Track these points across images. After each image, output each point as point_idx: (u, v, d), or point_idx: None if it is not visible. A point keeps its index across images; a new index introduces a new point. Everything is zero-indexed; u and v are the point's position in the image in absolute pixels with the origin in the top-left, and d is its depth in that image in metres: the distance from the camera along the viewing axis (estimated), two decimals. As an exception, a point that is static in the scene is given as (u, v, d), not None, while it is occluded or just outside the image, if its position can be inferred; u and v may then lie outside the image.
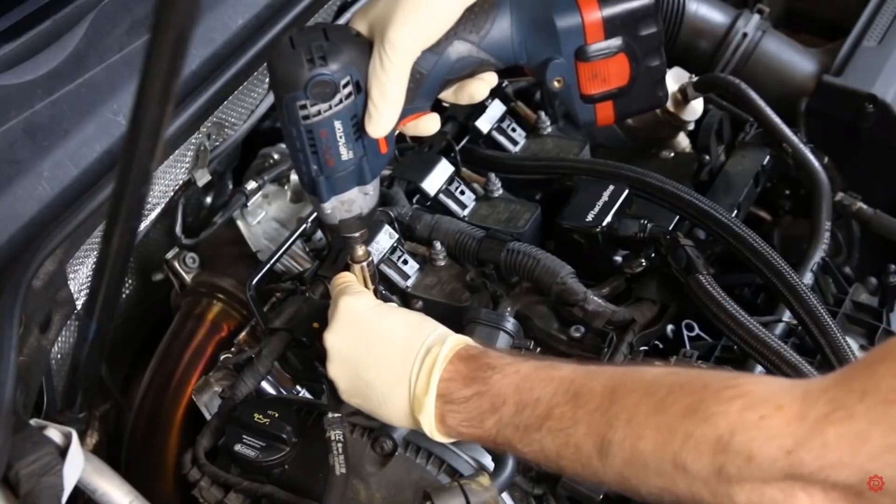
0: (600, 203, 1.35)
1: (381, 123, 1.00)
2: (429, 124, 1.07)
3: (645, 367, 0.92)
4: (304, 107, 0.97)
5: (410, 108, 1.02)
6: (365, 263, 1.14)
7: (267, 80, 1.56)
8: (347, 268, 1.16)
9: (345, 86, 0.97)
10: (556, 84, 1.04)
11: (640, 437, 0.84)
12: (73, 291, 1.24)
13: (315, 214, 1.39)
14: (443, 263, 1.34)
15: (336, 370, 1.06)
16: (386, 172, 1.51)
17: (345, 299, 1.08)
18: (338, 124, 0.98)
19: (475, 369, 0.98)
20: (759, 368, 1.19)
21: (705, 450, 0.80)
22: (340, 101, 0.97)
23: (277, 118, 1.70)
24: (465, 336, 1.04)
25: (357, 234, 1.11)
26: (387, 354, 1.03)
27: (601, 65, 1.03)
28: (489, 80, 1.07)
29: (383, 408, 1.03)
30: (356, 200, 1.06)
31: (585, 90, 1.05)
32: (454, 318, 1.20)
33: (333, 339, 1.06)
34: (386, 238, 1.31)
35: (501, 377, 0.96)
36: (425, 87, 1.01)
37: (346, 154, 1.01)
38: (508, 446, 0.96)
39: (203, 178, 1.45)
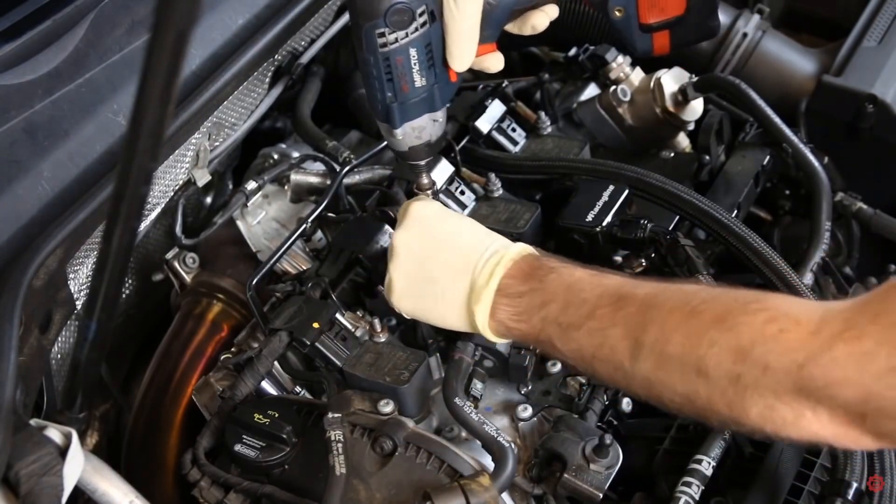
0: (600, 203, 1.35)
1: (463, 57, 1.09)
2: (494, 61, 1.15)
3: (689, 282, 0.97)
4: (382, 35, 1.04)
5: (480, 38, 1.09)
6: (430, 192, 1.22)
7: (267, 79, 1.56)
8: (411, 196, 1.24)
9: (420, 14, 1.04)
10: (616, 13, 1.14)
11: (669, 340, 0.89)
12: (73, 291, 1.24)
13: (315, 214, 1.39)
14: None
15: (398, 269, 1.13)
16: (386, 172, 1.52)
17: (415, 203, 1.15)
18: (413, 52, 1.06)
19: (536, 269, 1.04)
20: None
21: (726, 357, 0.84)
22: (416, 30, 1.04)
23: (277, 119, 1.73)
24: (531, 247, 1.10)
25: (423, 163, 1.19)
26: (453, 250, 1.10)
27: None
28: (550, 12, 1.16)
29: (440, 303, 1.09)
30: (426, 127, 1.14)
31: (644, 19, 1.14)
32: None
33: (402, 235, 1.13)
34: (386, 238, 1.31)
35: (556, 277, 1.02)
36: (494, 17, 1.10)
37: (419, 81, 1.08)
38: (549, 345, 1.01)
39: (203, 178, 1.45)
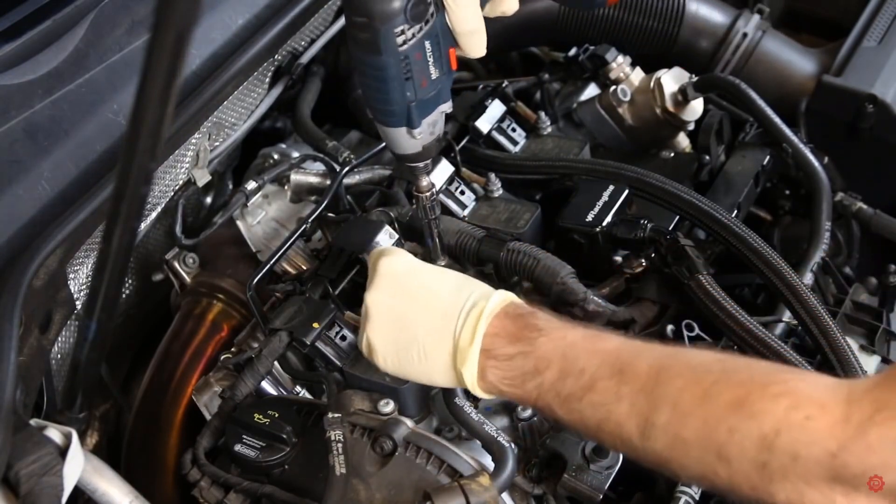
0: (600, 203, 1.35)
1: (478, 42, 1.09)
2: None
3: (691, 350, 0.92)
4: (401, 32, 1.01)
5: None
6: (428, 194, 1.20)
7: (267, 79, 1.56)
8: (411, 200, 1.22)
9: (429, 4, 1.03)
10: None
11: (684, 425, 0.85)
12: (73, 291, 1.24)
13: (315, 214, 1.39)
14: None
15: (375, 331, 1.07)
16: (386, 172, 1.52)
17: (383, 259, 1.09)
18: (427, 44, 1.04)
19: (522, 328, 0.99)
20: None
21: (749, 446, 0.81)
22: (428, 21, 1.03)
23: (277, 119, 1.73)
24: (511, 293, 1.05)
25: (422, 164, 1.16)
26: (430, 307, 1.04)
27: None
28: None
29: (424, 363, 1.04)
30: (438, 121, 1.12)
31: None
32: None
33: (374, 296, 1.07)
34: (386, 238, 1.31)
35: (548, 341, 0.97)
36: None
37: (434, 73, 1.07)
38: (549, 410, 0.97)
39: (203, 178, 1.45)
